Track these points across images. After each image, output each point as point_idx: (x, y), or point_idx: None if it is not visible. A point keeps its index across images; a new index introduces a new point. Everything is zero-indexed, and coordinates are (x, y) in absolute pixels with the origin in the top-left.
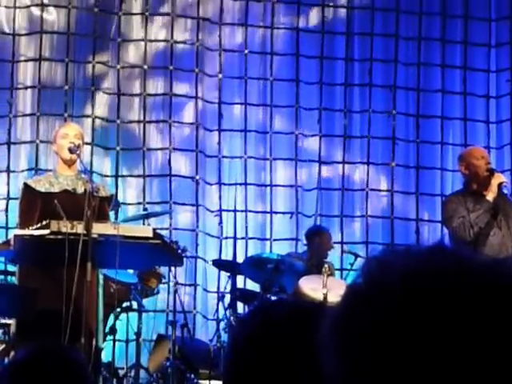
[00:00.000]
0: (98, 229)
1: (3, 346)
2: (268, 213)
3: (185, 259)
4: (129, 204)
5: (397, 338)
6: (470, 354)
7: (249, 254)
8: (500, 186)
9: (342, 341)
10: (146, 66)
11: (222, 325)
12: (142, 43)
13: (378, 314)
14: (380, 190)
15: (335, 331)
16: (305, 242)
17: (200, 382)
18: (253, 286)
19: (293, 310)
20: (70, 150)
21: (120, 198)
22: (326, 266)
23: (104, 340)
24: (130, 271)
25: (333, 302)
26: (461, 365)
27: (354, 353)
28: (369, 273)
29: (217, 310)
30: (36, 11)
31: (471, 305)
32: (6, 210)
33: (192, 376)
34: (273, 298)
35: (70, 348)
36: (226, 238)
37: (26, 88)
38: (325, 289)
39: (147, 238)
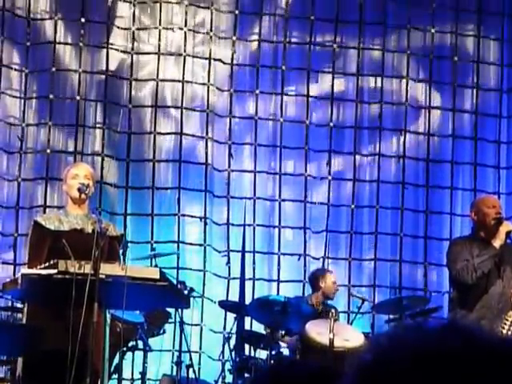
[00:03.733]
0: (106, 269)
1: None
2: (276, 254)
3: (191, 299)
4: (137, 243)
5: None
6: None
7: (256, 295)
8: (508, 234)
9: None
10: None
11: (228, 366)
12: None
13: None
14: (388, 234)
15: None
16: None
17: None
18: (259, 327)
19: (304, 374)
20: (80, 190)
21: (128, 237)
22: (332, 310)
23: (109, 379)
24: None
25: (339, 347)
26: None
27: None
28: (379, 350)
29: (222, 351)
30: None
31: None
32: (15, 246)
33: None
34: (281, 343)
35: None
36: (234, 278)
37: (37, 125)
38: (331, 333)
39: (154, 280)
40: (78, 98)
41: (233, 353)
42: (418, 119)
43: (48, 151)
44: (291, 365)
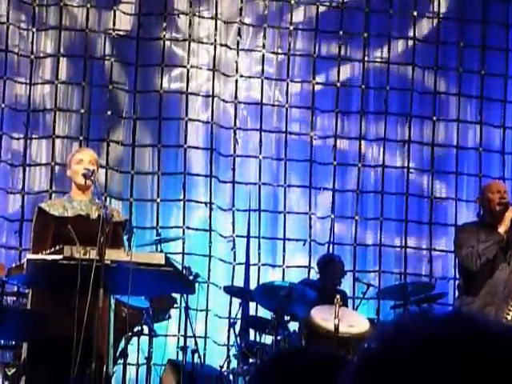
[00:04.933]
0: (111, 255)
1: (14, 369)
2: (281, 239)
3: (197, 284)
4: (142, 228)
5: None
6: None
7: (261, 281)
8: None
9: None
10: (161, 91)
11: (233, 351)
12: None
13: (390, 380)
14: (393, 220)
15: None
16: (317, 270)
17: None
18: (264, 312)
19: (312, 362)
20: (85, 176)
21: (133, 223)
22: (337, 296)
23: (115, 364)
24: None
25: (344, 333)
26: None
27: None
28: (384, 337)
29: (228, 336)
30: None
31: (484, 374)
32: (20, 231)
33: None
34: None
35: None
36: (239, 263)
37: (42, 110)
38: (336, 319)
39: (159, 266)
40: (83, 83)
41: (238, 338)
42: (424, 103)
43: (53, 137)
44: (296, 351)
